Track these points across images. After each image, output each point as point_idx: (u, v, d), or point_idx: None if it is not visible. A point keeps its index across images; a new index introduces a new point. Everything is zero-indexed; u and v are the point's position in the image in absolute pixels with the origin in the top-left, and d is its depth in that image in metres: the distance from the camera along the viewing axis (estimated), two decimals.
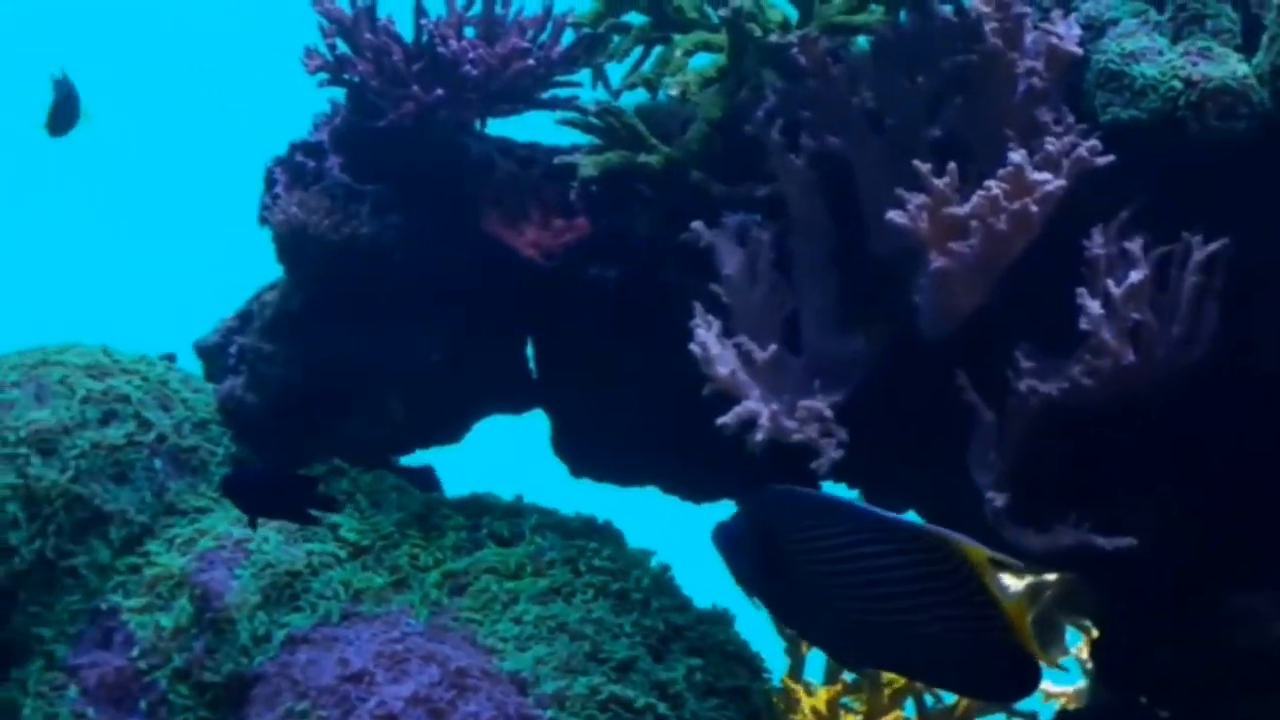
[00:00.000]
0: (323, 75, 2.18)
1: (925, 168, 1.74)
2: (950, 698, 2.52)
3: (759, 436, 1.79)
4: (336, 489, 2.19)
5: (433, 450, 2.38)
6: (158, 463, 2.21)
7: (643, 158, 2.00)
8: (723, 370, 1.83)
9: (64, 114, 2.69)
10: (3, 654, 2.12)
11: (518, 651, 1.91)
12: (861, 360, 1.92)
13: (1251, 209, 1.81)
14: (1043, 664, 2.53)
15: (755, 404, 1.81)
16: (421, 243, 2.19)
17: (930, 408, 1.93)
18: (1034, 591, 2.43)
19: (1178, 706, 2.04)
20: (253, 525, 2.03)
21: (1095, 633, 2.44)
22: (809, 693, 2.57)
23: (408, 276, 2.19)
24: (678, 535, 2.65)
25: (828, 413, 1.83)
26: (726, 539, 1.63)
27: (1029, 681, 1.54)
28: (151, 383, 2.30)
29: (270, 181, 2.27)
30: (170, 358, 2.46)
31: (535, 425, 2.36)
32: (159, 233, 12.03)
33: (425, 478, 2.38)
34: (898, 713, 2.55)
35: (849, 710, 2.60)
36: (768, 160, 1.94)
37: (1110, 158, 1.74)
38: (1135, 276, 1.76)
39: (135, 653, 2.02)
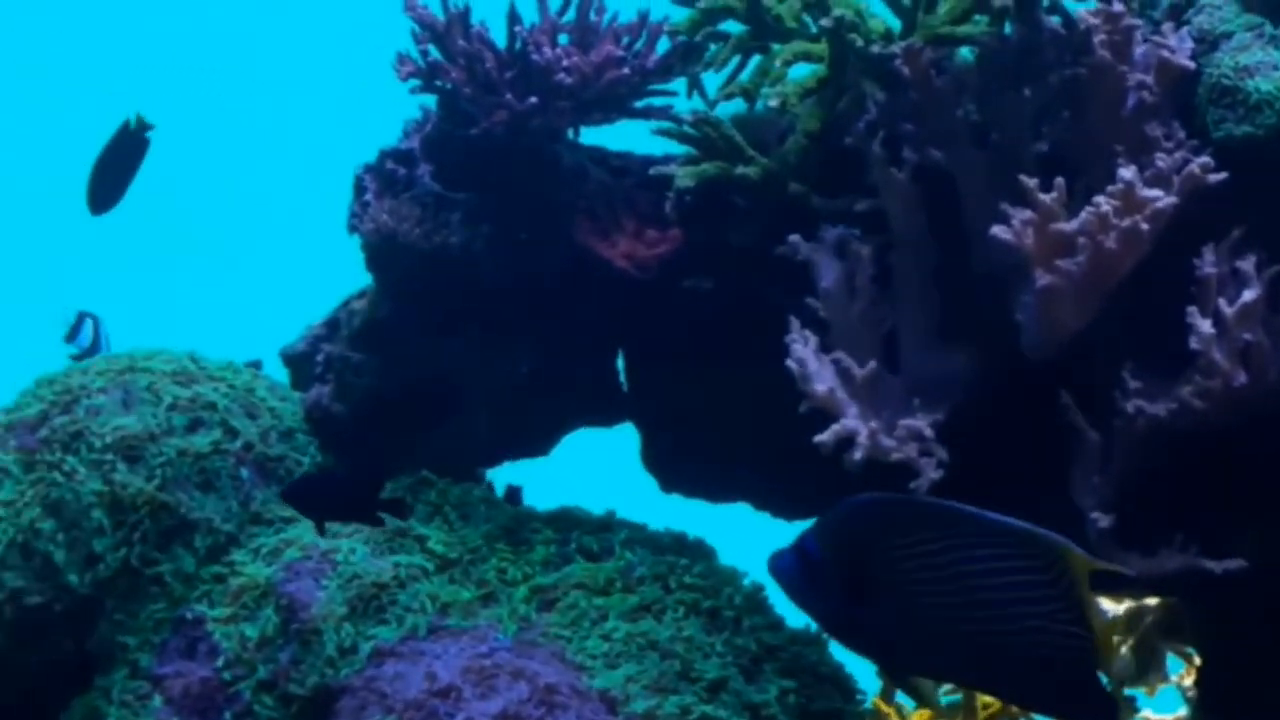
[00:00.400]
0: (414, 82, 2.21)
1: (1032, 183, 1.76)
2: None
3: (857, 455, 1.82)
4: (424, 501, 2.23)
5: (520, 463, 2.41)
6: (244, 471, 2.26)
7: (740, 169, 2.03)
8: (820, 387, 1.86)
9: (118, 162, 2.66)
10: (88, 662, 2.18)
11: (607, 669, 1.94)
12: (961, 378, 1.94)
13: None
14: (1140, 690, 2.54)
15: (853, 422, 1.83)
16: (512, 253, 2.22)
17: (1030, 427, 1.95)
18: (1134, 617, 2.42)
19: None
20: (320, 530, 2.08)
21: (1198, 660, 2.43)
22: (901, 716, 2.57)
23: (497, 287, 2.22)
24: (767, 550, 2.67)
25: (928, 432, 1.85)
26: (795, 568, 1.65)
27: (1105, 711, 1.55)
28: (238, 390, 2.35)
29: (360, 189, 2.30)
30: (256, 365, 2.51)
31: (625, 439, 2.39)
32: (245, 239, 12.17)
33: (511, 494, 2.42)
34: None
35: None
36: (868, 173, 1.96)
37: (1223, 175, 1.75)
38: (1248, 296, 1.77)
39: (220, 663, 2.06)
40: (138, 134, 2.51)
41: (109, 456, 2.20)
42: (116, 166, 2.54)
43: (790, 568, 1.66)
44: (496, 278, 2.22)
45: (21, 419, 2.27)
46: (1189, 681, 2.58)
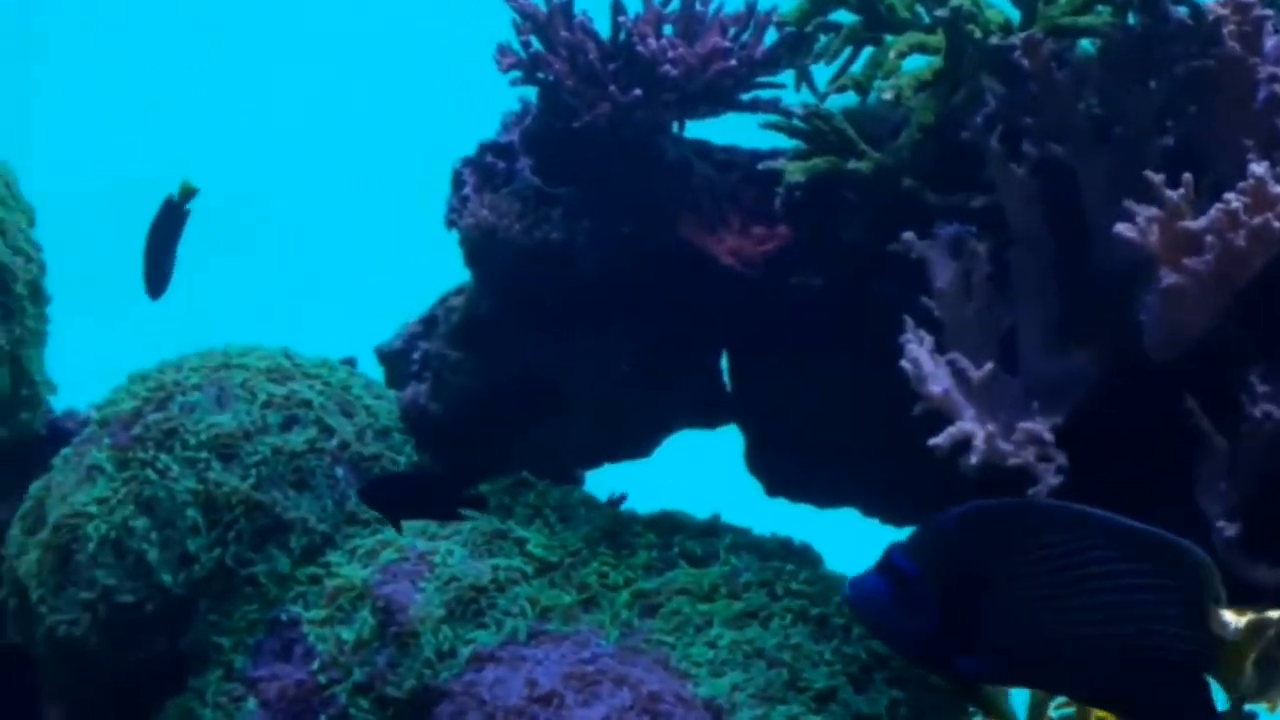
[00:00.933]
0: (515, 74, 2.23)
1: (1157, 179, 1.76)
2: None
3: (973, 460, 1.82)
4: (523, 503, 2.26)
5: (621, 464, 2.43)
6: (339, 470, 2.30)
7: (852, 164, 2.03)
8: (936, 389, 1.86)
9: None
10: (182, 662, 2.22)
11: (712, 677, 1.96)
12: (1081, 380, 1.93)
13: None
14: (1261, 706, 2.52)
15: (970, 425, 1.84)
16: (614, 249, 2.23)
17: (1152, 431, 1.95)
18: (1257, 629, 2.40)
19: None
20: (397, 528, 2.12)
21: None
22: None
23: (599, 283, 2.24)
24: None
25: (1047, 435, 1.85)
26: (884, 589, 1.67)
27: None
28: (333, 388, 2.38)
29: (458, 183, 2.32)
30: (351, 362, 2.55)
31: (728, 441, 2.40)
32: (339, 235, 12.24)
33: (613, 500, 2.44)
34: None
35: None
36: (985, 169, 1.97)
37: None
38: None
39: (315, 665, 2.10)
40: (179, 207, 2.55)
41: (203, 455, 2.24)
42: (165, 243, 2.58)
43: (879, 589, 1.67)
44: (598, 274, 2.24)
45: (116, 415, 2.32)
46: None
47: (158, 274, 2.59)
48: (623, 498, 2.39)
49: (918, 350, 1.89)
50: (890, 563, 1.68)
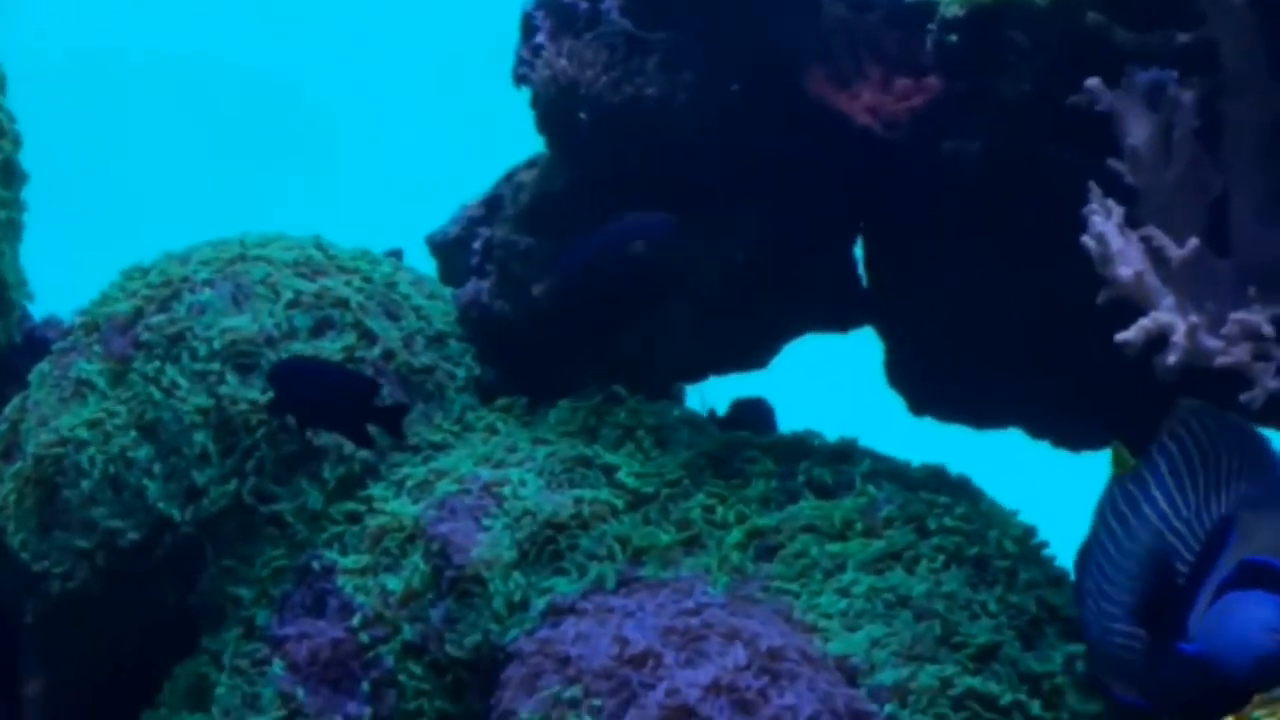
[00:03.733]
0: None
1: None
2: None
3: (1171, 359, 1.76)
4: (611, 422, 2.22)
5: (731, 377, 2.40)
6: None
7: None
8: (1125, 271, 1.80)
9: None
10: (191, 620, 2.20)
11: (845, 631, 1.92)
12: None
13: None
14: None
15: (1168, 315, 1.78)
16: (723, 108, 2.20)
17: None
18: None
19: None
20: (301, 432, 2.12)
21: None
22: None
23: (705, 151, 2.21)
24: (1046, 491, 2.62)
25: (1267, 329, 1.80)
26: None
27: None
28: (375, 285, 2.36)
29: (529, 29, 2.30)
30: (397, 254, 2.52)
31: (865, 347, 2.37)
32: (380, 113, 12.16)
33: (750, 410, 2.40)
34: None
35: None
36: None
37: None
38: None
39: (356, 622, 2.08)
40: None
41: (215, 365, 2.23)
42: None
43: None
44: (703, 140, 2.20)
45: (109, 317, 2.31)
46: None
47: None
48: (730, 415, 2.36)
49: (1104, 224, 1.83)
50: None
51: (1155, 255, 1.83)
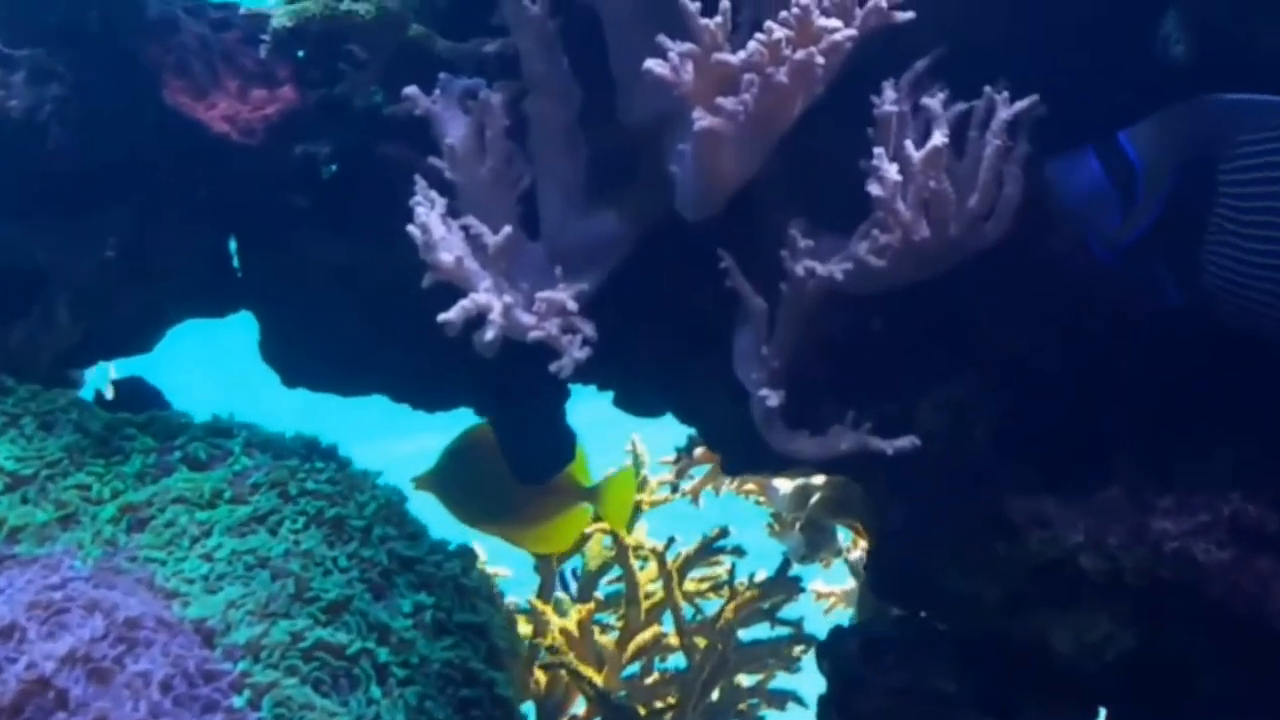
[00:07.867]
0: None
1: (693, 6, 1.60)
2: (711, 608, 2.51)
3: (489, 335, 1.65)
4: (1, 409, 2.02)
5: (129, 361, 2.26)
6: None
7: (347, 6, 1.82)
8: (446, 257, 1.68)
9: None
10: None
11: (206, 594, 1.74)
12: (614, 243, 1.78)
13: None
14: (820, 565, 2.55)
15: (485, 296, 1.66)
16: (91, 118, 2.03)
17: (693, 296, 1.84)
18: (803, 494, 2.38)
19: (959, 620, 1.96)
20: None
21: (865, 542, 2.40)
22: (559, 613, 2.51)
23: (74, 158, 2.03)
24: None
25: (571, 305, 1.70)
26: (1100, 180, 1.54)
27: None
28: None
29: None
30: None
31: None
32: None
33: (131, 390, 2.24)
34: (656, 628, 2.52)
35: (605, 627, 2.57)
36: (499, 9, 1.80)
37: (910, 14, 1.59)
38: (938, 138, 1.64)
39: None
40: None
41: None
42: None
43: (1093, 178, 1.54)
44: (73, 148, 2.02)
45: None
46: (855, 555, 2.59)
47: None
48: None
49: (428, 215, 1.70)
50: (1116, 147, 1.54)
51: (474, 242, 1.71)
